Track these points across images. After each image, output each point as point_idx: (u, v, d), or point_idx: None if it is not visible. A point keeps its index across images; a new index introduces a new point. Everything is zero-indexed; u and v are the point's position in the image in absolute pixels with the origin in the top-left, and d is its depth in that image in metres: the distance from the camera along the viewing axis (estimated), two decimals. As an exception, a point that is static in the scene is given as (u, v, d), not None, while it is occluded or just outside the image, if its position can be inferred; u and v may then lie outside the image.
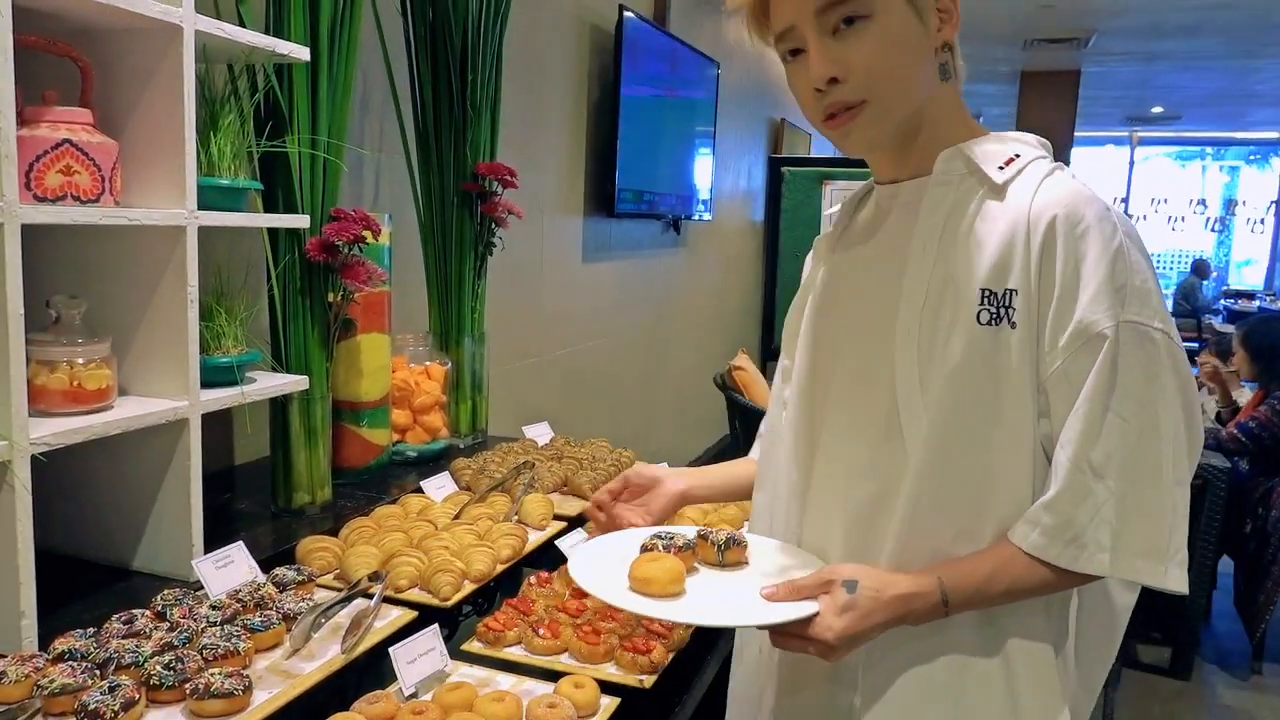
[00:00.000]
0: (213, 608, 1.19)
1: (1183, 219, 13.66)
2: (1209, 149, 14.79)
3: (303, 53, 1.50)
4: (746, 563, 1.12)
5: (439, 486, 1.82)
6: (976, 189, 0.99)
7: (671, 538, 1.11)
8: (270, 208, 1.61)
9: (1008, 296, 0.94)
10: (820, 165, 2.48)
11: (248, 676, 1.04)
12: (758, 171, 5.33)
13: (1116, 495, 0.92)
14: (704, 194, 4.72)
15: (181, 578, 1.37)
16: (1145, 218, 13.96)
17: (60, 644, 1.08)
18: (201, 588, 1.28)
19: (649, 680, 1.27)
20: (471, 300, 2.19)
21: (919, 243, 1.00)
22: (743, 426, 4.01)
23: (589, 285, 3.71)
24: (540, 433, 2.22)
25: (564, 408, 3.55)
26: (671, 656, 1.34)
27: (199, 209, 1.35)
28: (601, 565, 1.09)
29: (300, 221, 1.55)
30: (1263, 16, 5.85)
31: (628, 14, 3.53)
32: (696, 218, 4.69)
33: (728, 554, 1.12)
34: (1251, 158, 14.90)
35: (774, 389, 1.19)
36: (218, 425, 1.91)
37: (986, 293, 0.95)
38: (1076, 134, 9.59)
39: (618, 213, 3.65)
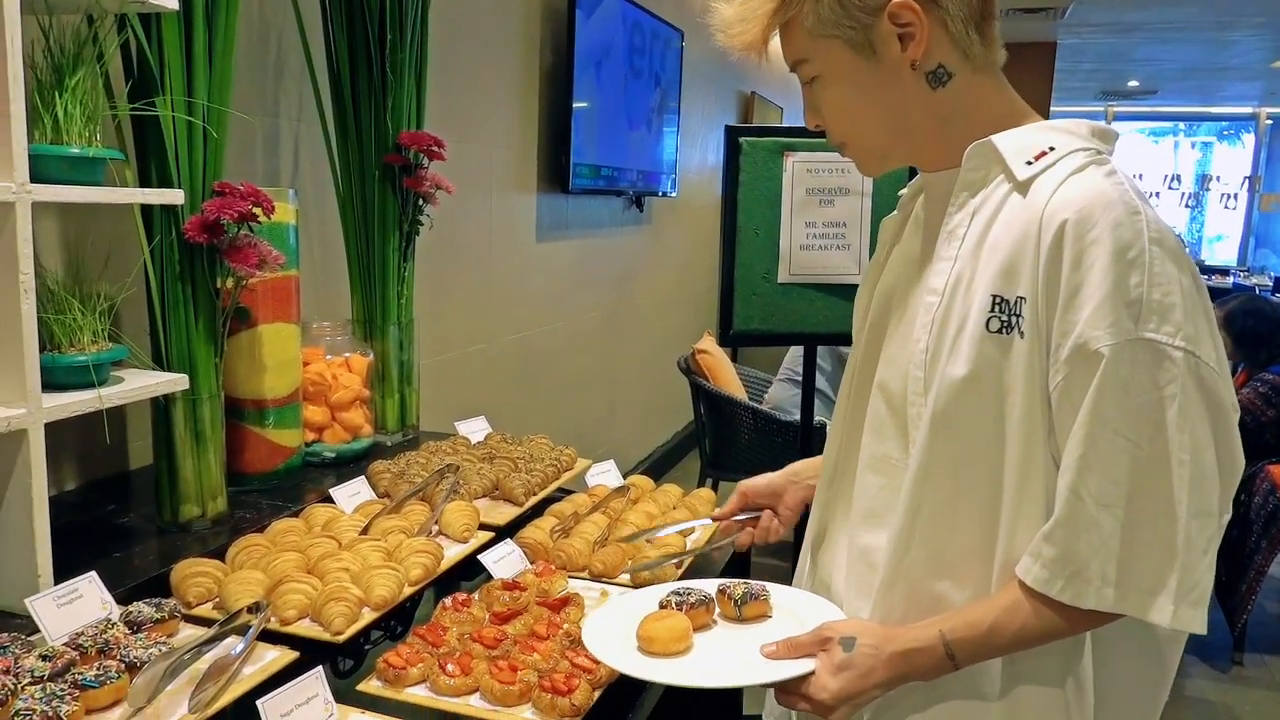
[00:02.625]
0: (42, 658, 1.00)
1: (1157, 195, 13.59)
2: (1181, 125, 14.70)
3: (169, 0, 1.29)
4: (769, 615, 1.13)
5: (353, 494, 1.63)
6: (1002, 184, 0.95)
7: (688, 594, 1.13)
8: (145, 181, 1.40)
9: (1018, 304, 0.90)
10: (782, 135, 2.28)
11: (60, 752, 0.86)
12: (726, 146, 5.17)
13: (1123, 525, 0.86)
14: (668, 169, 4.52)
15: (28, 616, 1.17)
16: (1120, 194, 13.90)
17: None
18: (47, 627, 1.09)
19: (569, 726, 1.10)
20: (397, 284, 1.99)
21: (942, 239, 0.99)
22: (708, 412, 3.84)
23: (543, 266, 3.51)
24: (475, 428, 2.03)
25: (516, 397, 3.36)
26: (598, 696, 1.17)
27: (38, 182, 1.14)
28: (616, 623, 1.11)
29: (170, 197, 1.34)
30: (1242, -15, 5.72)
31: (581, -23, 3.31)
32: (661, 194, 4.50)
33: (745, 608, 1.12)
34: (1225, 133, 14.84)
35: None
36: (111, 427, 1.71)
37: (997, 299, 0.91)
38: (1052, 109, 9.44)
39: (573, 189, 3.45)
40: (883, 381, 1.05)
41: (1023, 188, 0.92)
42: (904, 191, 1.14)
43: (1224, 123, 14.59)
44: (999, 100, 0.99)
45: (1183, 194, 13.49)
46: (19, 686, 0.95)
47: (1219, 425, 0.88)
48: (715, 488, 4.12)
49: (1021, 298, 0.89)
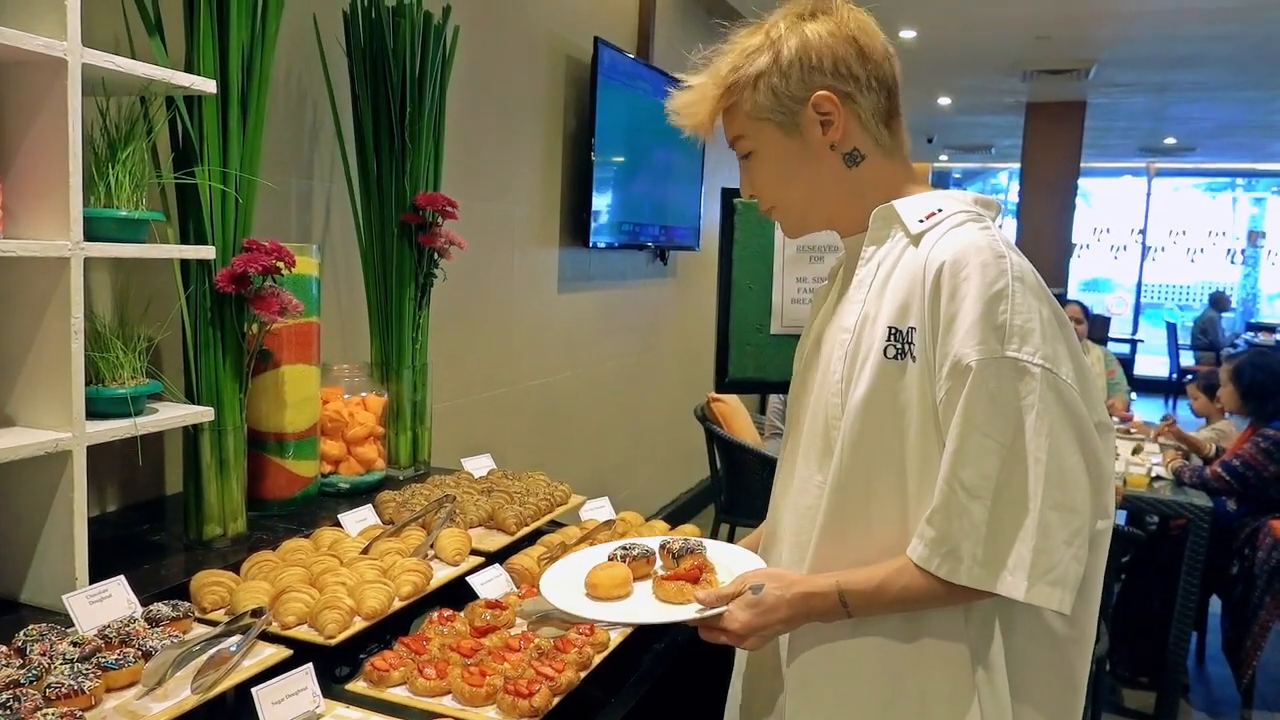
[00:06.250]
0: (73, 644, 1.18)
1: (1201, 250, 13.47)
2: (1239, 180, 14.56)
3: (208, 85, 1.50)
4: (705, 566, 1.27)
5: (359, 519, 1.79)
6: (901, 240, 1.12)
7: (633, 548, 1.30)
8: (184, 239, 1.61)
9: (909, 334, 1.06)
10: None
11: (82, 717, 1.02)
12: (754, 202, 5.28)
13: (990, 513, 1.01)
14: (692, 225, 4.71)
15: (66, 612, 1.35)
16: (1163, 249, 13.80)
17: (-97, 680, 1.06)
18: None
19: (528, 725, 1.24)
20: (413, 331, 2.18)
21: (853, 287, 1.16)
22: (722, 459, 3.96)
23: (565, 315, 3.70)
24: (479, 465, 2.20)
25: (536, 441, 3.53)
26: (557, 701, 1.30)
27: (93, 240, 1.35)
28: (571, 574, 1.27)
29: (202, 253, 1.54)
30: (1267, 47, 5.79)
31: (603, 46, 3.54)
32: (684, 248, 4.68)
33: (683, 560, 1.27)
34: (1275, 190, 14.66)
35: None
36: (149, 455, 1.91)
37: (893, 330, 1.08)
38: (1092, 165, 9.48)
39: (593, 244, 3.65)
40: (811, 413, 1.20)
41: (915, 240, 1.10)
42: (834, 264, 1.31)
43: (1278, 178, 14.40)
44: (902, 179, 1.19)
45: (1229, 250, 13.34)
46: (53, 665, 1.12)
47: (1081, 433, 1.02)
48: (731, 534, 4.22)
49: (912, 328, 1.06)
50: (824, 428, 1.15)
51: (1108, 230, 13.91)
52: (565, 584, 1.24)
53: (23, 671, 1.10)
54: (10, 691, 1.04)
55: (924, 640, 1.10)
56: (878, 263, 1.14)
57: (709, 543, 1.33)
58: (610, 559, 1.28)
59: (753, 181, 1.21)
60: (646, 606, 1.20)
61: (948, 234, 1.08)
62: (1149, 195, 12.86)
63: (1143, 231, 12.98)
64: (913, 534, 1.07)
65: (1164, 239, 13.80)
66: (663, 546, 1.30)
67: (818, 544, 1.14)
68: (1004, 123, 9.09)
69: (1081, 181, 8.12)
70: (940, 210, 1.12)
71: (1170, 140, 10.28)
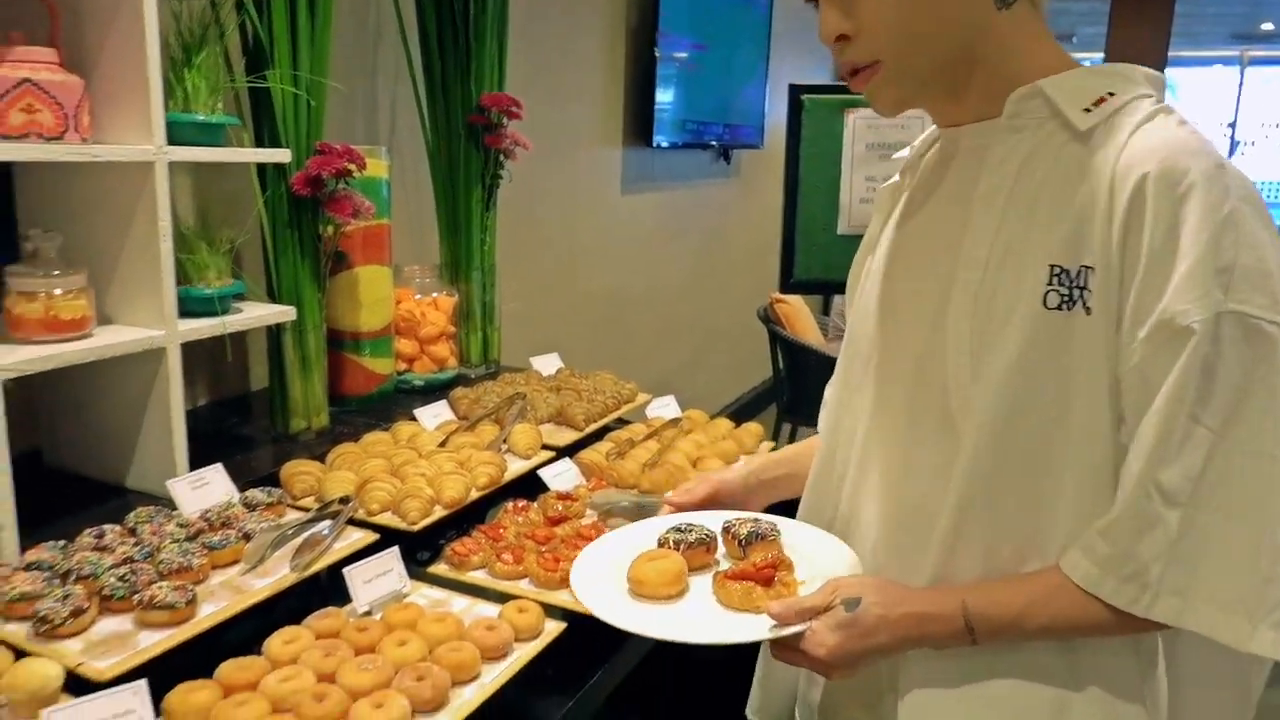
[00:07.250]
0: (179, 525, 1.26)
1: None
2: (1346, 67, 13.62)
3: (276, -15, 1.51)
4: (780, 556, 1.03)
5: (435, 415, 1.86)
6: (1056, 135, 0.83)
7: (689, 530, 1.04)
8: (259, 143, 1.64)
9: (1082, 275, 0.78)
10: (843, 92, 2.39)
11: (193, 590, 1.11)
12: (819, 98, 5.19)
13: (1197, 527, 0.75)
14: (756, 122, 4.61)
15: (168, 497, 1.44)
16: (1253, 143, 13.09)
17: (31, 555, 1.16)
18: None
19: (600, 608, 1.30)
20: (480, 233, 2.21)
21: (981, 203, 0.86)
22: (786, 361, 3.98)
23: (628, 217, 3.69)
24: (548, 364, 2.25)
25: (600, 342, 3.57)
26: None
27: (172, 144, 1.39)
28: (610, 560, 1.02)
29: (279, 156, 1.58)
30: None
31: (666, -64, 3.43)
32: (748, 146, 4.60)
33: (752, 550, 1.01)
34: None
35: (840, 357, 1.07)
36: (234, 352, 1.99)
37: (1057, 270, 0.79)
38: (1180, 54, 8.94)
39: (656, 143, 3.61)
40: (918, 372, 0.91)
41: (1083, 139, 0.81)
42: (902, 154, 1.02)
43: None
44: (1049, 46, 0.87)
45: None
46: (162, 544, 1.21)
47: None
48: (793, 434, 4.27)
49: (1087, 267, 0.78)
50: (940, 395, 0.87)
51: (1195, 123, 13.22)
52: (603, 577, 0.99)
53: (137, 549, 1.19)
54: (127, 566, 1.13)
55: (1090, 688, 0.84)
56: (1016, 168, 0.83)
57: (784, 523, 1.04)
58: (660, 544, 1.02)
59: (858, 15, 0.83)
60: (703, 617, 0.94)
61: (1139, 131, 0.78)
62: (1241, 86, 12.13)
63: (1233, 125, 12.31)
64: (1069, 540, 0.82)
65: (1255, 132, 13.08)
66: (726, 530, 1.05)
67: (940, 550, 0.87)
68: (1087, 9, 8.59)
69: (1168, 72, 7.69)
70: (1113, 95, 0.81)
71: (1267, 25, 9.63)
